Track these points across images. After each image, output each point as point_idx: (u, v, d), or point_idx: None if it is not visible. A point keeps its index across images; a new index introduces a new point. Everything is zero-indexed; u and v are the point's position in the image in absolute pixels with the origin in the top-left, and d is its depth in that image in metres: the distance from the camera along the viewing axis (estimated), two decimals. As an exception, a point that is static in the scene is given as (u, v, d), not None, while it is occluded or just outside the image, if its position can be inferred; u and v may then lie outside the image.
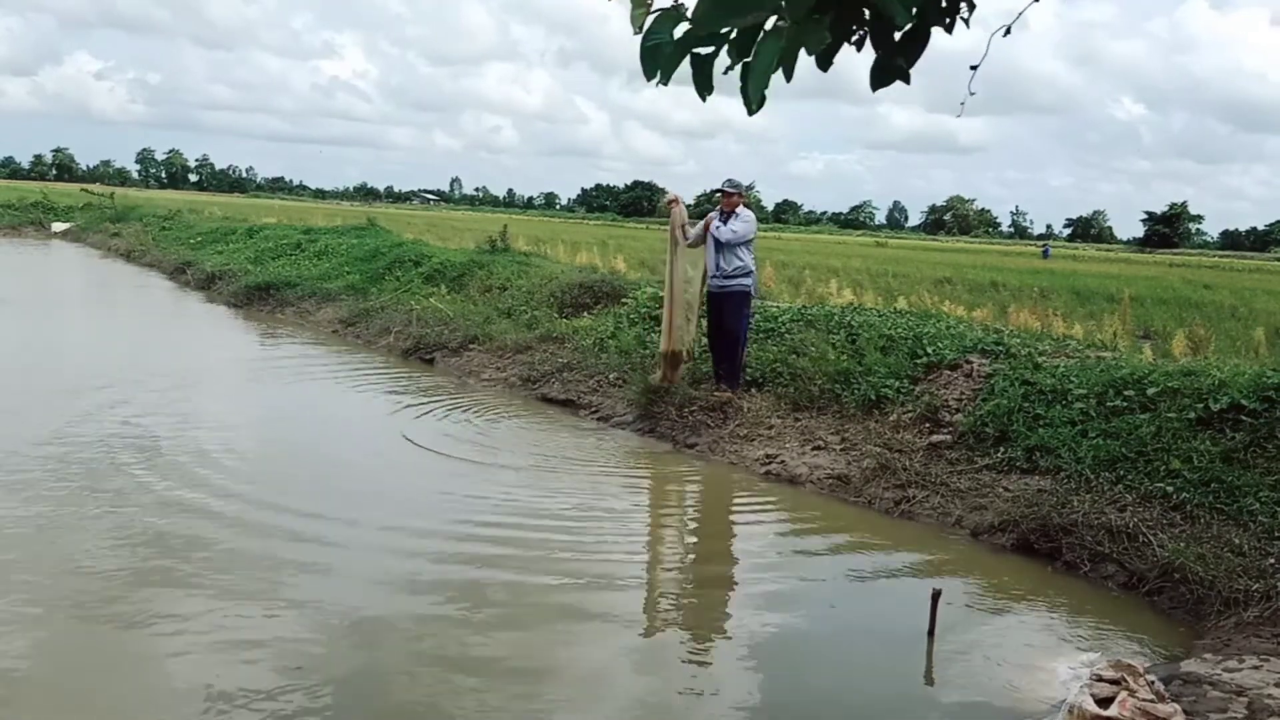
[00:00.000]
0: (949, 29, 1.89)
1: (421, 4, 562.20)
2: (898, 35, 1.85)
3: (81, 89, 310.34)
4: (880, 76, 1.90)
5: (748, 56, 1.81)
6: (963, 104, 2.17)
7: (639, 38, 1.84)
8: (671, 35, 1.82)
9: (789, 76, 1.82)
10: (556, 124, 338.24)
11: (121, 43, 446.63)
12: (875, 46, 1.85)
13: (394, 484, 6.88)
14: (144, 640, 4.23)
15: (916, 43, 1.87)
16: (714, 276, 8.34)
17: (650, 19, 1.83)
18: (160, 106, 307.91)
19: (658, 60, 1.84)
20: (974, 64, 2.12)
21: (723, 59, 1.86)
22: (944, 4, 1.86)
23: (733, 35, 1.82)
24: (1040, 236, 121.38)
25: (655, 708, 4.01)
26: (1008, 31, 2.04)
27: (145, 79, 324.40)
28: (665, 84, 1.89)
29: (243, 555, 5.19)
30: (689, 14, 1.80)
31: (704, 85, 1.89)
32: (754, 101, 1.83)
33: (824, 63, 1.84)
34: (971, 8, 1.88)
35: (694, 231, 8.42)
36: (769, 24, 1.76)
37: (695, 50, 1.83)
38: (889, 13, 1.69)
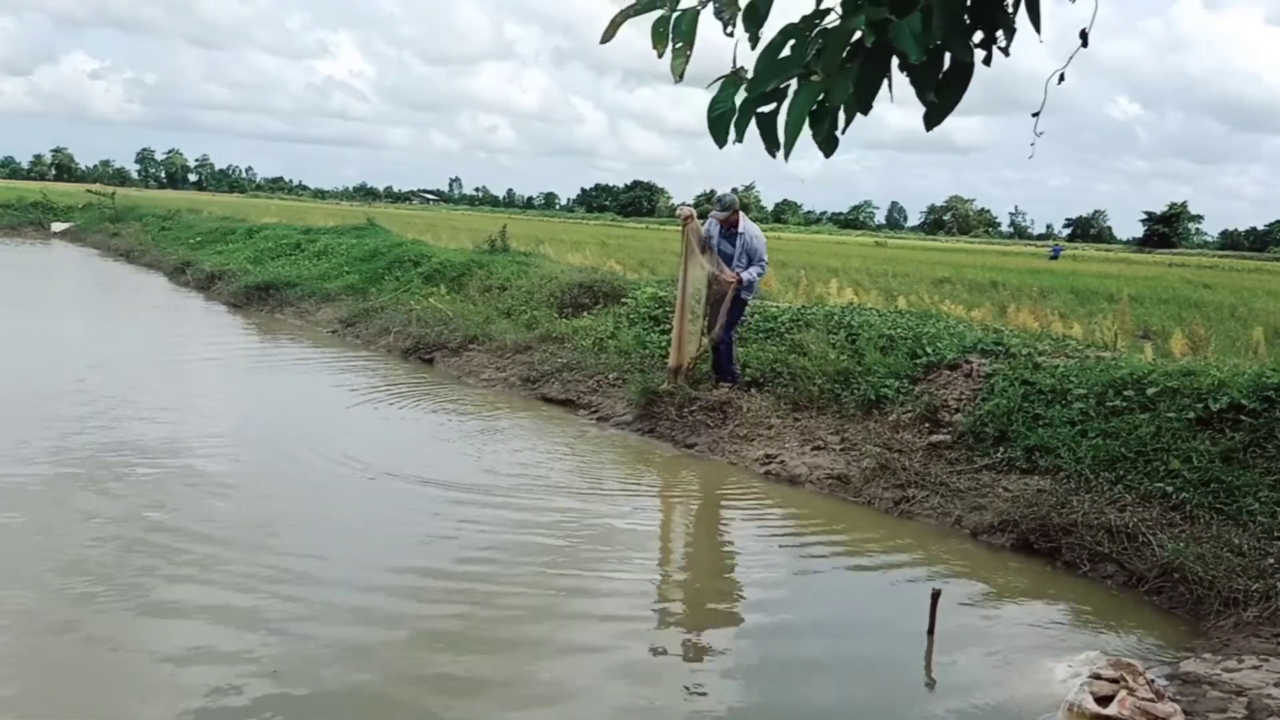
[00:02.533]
0: (987, 61, 1.93)
1: (415, 3, 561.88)
2: (940, 75, 1.91)
3: (78, 89, 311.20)
4: (930, 117, 1.97)
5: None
6: (1032, 144, 2.23)
7: (704, 105, 1.99)
8: (733, 102, 1.94)
9: (845, 128, 1.94)
10: (553, 124, 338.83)
11: (117, 42, 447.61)
12: (913, 85, 1.90)
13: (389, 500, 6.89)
14: (124, 657, 4.23)
15: (957, 81, 1.92)
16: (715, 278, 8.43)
17: (716, 87, 1.96)
18: (157, 106, 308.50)
19: (724, 126, 1.98)
20: (1034, 111, 2.18)
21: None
22: (979, 37, 1.90)
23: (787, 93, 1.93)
24: (1040, 236, 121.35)
25: (654, 708, 4.01)
26: (1061, 79, 2.10)
27: (142, 79, 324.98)
28: (740, 140, 2.00)
29: (216, 579, 4.97)
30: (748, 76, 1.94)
31: (773, 142, 1.99)
32: (787, 148, 1.94)
33: (864, 107, 1.92)
34: (1010, 35, 1.91)
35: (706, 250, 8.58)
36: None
37: (760, 110, 1.95)
38: (902, 48, 1.75)
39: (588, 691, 4.06)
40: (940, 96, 1.91)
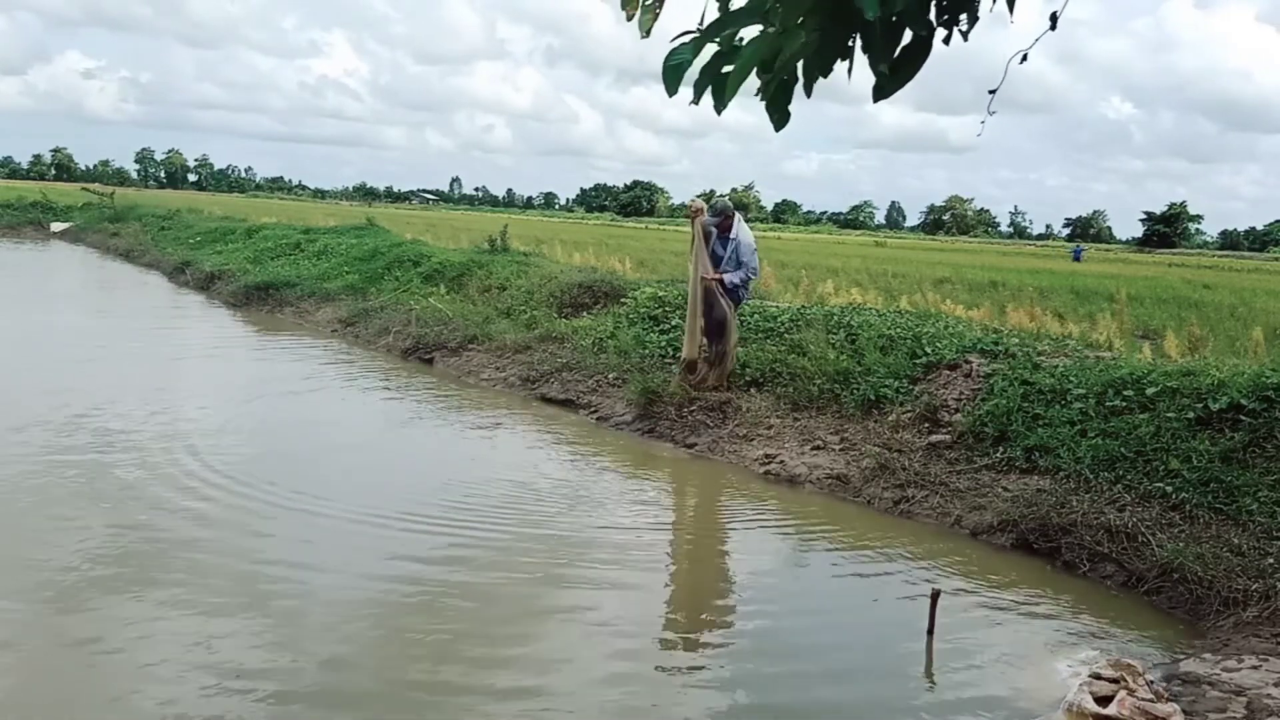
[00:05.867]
0: (946, 40, 1.91)
1: (406, 2, 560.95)
2: (898, 50, 1.87)
3: (73, 88, 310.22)
4: (881, 88, 1.94)
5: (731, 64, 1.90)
6: (983, 122, 2.23)
7: (655, 52, 1.94)
8: (691, 56, 1.91)
9: (809, 91, 1.91)
10: (548, 123, 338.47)
11: (109, 42, 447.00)
12: (865, 52, 1.88)
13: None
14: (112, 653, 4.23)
15: (914, 55, 1.89)
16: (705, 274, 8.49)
17: (676, 43, 1.92)
18: (152, 105, 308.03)
19: (677, 76, 1.94)
20: (991, 89, 2.13)
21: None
22: (944, 15, 1.88)
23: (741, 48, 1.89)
24: (1040, 236, 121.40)
25: (651, 708, 4.01)
26: (1024, 59, 2.06)
27: (136, 78, 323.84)
28: (697, 102, 1.97)
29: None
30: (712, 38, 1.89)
31: (721, 100, 1.97)
32: (728, 96, 1.91)
33: (824, 70, 1.88)
34: (973, 21, 1.89)
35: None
36: (755, 30, 1.85)
37: (723, 70, 1.92)
38: (859, 5, 1.72)
39: (583, 691, 4.06)
40: (895, 69, 1.89)
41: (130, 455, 6.84)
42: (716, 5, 1.89)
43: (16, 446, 6.85)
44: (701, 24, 1.91)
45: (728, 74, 1.91)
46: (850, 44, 1.85)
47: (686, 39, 1.91)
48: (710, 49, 1.91)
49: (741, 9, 1.85)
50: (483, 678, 4.07)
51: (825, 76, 1.88)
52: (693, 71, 1.94)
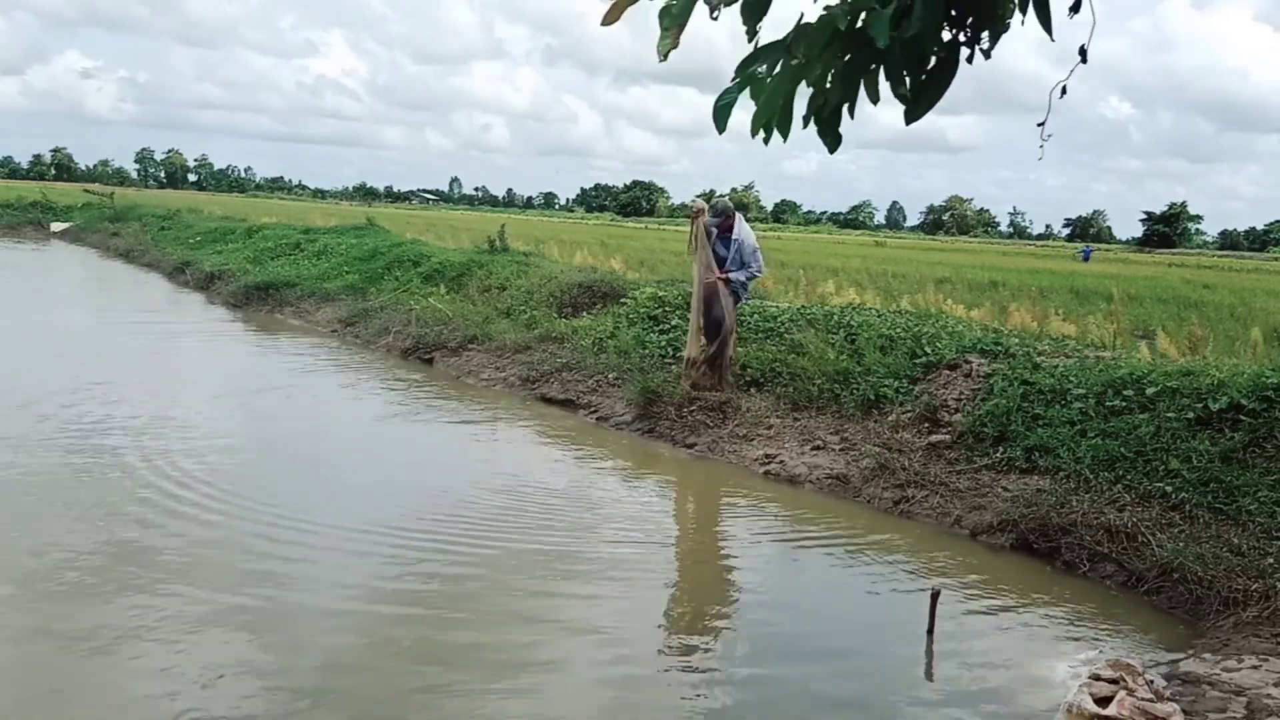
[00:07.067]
0: (969, 59, 1.93)
1: (404, 2, 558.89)
2: (923, 75, 1.91)
3: (71, 89, 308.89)
4: (908, 111, 1.99)
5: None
6: (1041, 145, 2.24)
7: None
8: (738, 96, 1.99)
9: (852, 113, 1.99)
10: (547, 123, 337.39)
11: (106, 41, 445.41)
12: (886, 78, 1.91)
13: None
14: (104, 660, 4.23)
15: (940, 77, 1.92)
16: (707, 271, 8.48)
17: (732, 82, 2.00)
18: (150, 105, 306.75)
19: (725, 115, 2.03)
20: (1040, 120, 2.18)
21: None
22: (962, 36, 1.90)
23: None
24: (1040, 236, 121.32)
25: (653, 709, 4.01)
26: (1064, 92, 2.10)
27: (135, 78, 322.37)
28: (784, 138, 2.05)
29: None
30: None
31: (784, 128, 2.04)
32: (755, 125, 1.99)
33: (849, 95, 1.96)
34: (995, 39, 1.91)
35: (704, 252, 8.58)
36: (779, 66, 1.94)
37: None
38: (872, 33, 1.77)
39: (582, 692, 4.06)
40: (922, 91, 1.92)
41: (123, 457, 6.84)
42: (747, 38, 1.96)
43: (5, 445, 6.85)
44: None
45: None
46: (875, 69, 1.90)
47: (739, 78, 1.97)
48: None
49: (765, 46, 1.92)
50: (481, 679, 4.07)
51: (874, 103, 1.95)
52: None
